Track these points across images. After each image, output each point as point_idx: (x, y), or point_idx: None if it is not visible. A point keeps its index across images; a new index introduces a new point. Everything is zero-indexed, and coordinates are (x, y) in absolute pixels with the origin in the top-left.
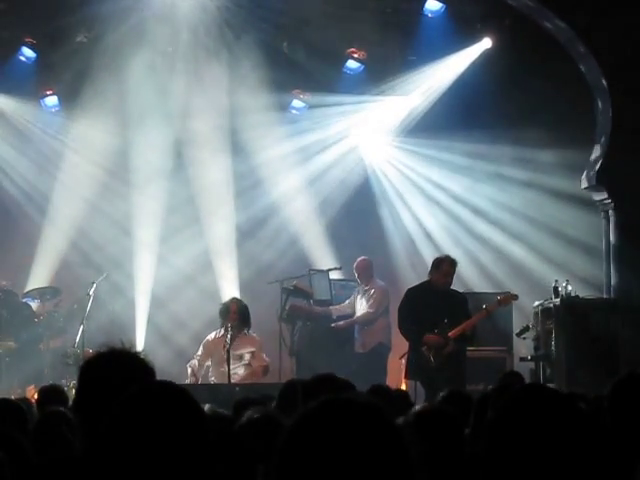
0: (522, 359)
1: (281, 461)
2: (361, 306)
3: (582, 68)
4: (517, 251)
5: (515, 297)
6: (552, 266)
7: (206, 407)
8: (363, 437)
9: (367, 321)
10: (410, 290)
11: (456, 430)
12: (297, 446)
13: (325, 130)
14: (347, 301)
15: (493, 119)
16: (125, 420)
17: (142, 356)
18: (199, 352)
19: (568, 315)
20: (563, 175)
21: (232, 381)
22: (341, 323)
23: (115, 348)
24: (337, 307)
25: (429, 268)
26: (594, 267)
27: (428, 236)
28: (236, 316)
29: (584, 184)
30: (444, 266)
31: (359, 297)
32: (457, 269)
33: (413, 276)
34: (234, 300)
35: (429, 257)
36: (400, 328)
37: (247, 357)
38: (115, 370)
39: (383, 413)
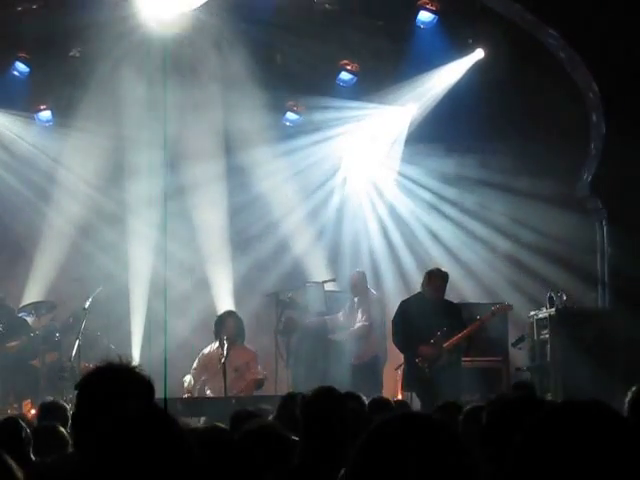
0: (518, 369)
1: (354, 473)
2: (356, 318)
3: (575, 78)
4: (512, 261)
5: (509, 307)
6: (547, 275)
7: (202, 420)
8: (438, 454)
9: (363, 333)
10: (404, 302)
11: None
12: (371, 459)
13: (319, 142)
14: (341, 312)
15: (485, 130)
16: (109, 447)
17: (140, 371)
18: (194, 366)
19: (563, 325)
20: (557, 185)
21: (228, 393)
22: (338, 335)
23: (113, 363)
24: (332, 318)
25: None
26: (589, 276)
27: (423, 248)
28: (231, 329)
29: (578, 193)
30: (435, 279)
31: (354, 309)
32: (452, 280)
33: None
34: (229, 313)
35: (425, 269)
36: (394, 340)
37: (242, 369)
38: (113, 386)
39: (456, 433)
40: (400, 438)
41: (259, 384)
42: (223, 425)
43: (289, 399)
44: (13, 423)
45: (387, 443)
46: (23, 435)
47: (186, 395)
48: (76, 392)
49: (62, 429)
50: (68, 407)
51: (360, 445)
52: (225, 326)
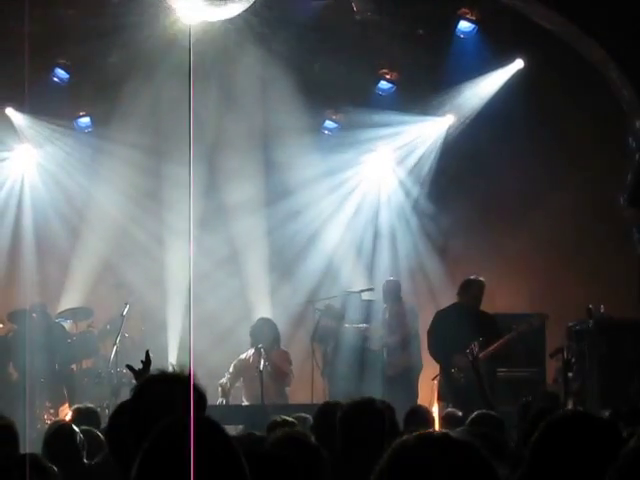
0: (555, 380)
1: None
2: (391, 328)
3: (616, 92)
4: (552, 271)
5: (546, 317)
6: (587, 286)
7: (239, 428)
8: (456, 474)
9: (400, 343)
10: (439, 312)
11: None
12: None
13: (357, 150)
14: (376, 321)
15: (523, 142)
16: (155, 456)
17: (194, 381)
18: (230, 370)
19: (601, 336)
20: (595, 197)
21: (264, 401)
22: (373, 345)
23: (167, 372)
24: (368, 328)
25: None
26: (629, 289)
27: (459, 257)
28: (267, 336)
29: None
30: (473, 288)
31: (389, 318)
32: (490, 289)
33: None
34: (263, 320)
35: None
36: (430, 350)
37: (278, 374)
38: (167, 395)
39: (480, 452)
40: (417, 460)
41: (287, 374)
42: (259, 433)
43: (327, 408)
44: (68, 429)
45: (405, 464)
46: (77, 440)
47: (220, 400)
48: (131, 400)
49: (99, 433)
50: (105, 413)
51: (381, 467)
52: (261, 334)
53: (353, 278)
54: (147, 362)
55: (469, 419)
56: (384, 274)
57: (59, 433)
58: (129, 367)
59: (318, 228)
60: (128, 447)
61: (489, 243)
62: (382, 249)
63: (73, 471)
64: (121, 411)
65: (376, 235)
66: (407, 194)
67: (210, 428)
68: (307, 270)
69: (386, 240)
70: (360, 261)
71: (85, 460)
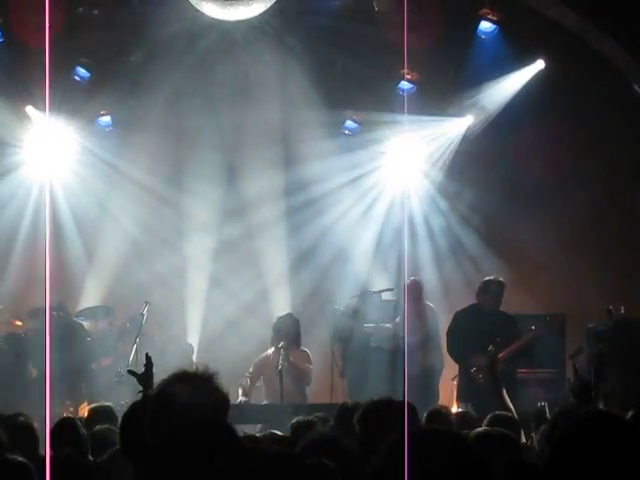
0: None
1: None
2: (412, 327)
3: (637, 90)
4: (569, 271)
5: (564, 318)
6: (606, 287)
7: (258, 427)
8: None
9: (420, 343)
10: (459, 313)
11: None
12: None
13: (378, 150)
14: (397, 321)
15: (541, 142)
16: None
17: (215, 381)
18: (250, 370)
19: (622, 337)
20: (619, 197)
21: (283, 400)
22: (393, 345)
23: (188, 372)
24: (388, 328)
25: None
26: None
27: (483, 256)
28: (289, 332)
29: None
30: (493, 288)
31: (410, 318)
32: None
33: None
34: (288, 315)
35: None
36: (449, 351)
37: (298, 374)
38: (189, 396)
39: (470, 444)
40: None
41: (307, 373)
42: (280, 432)
43: (346, 408)
44: (70, 423)
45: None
46: (80, 434)
47: (241, 399)
48: (153, 397)
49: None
50: (123, 412)
51: (377, 462)
52: (284, 329)
53: (374, 278)
54: (148, 365)
55: (485, 420)
56: (426, 265)
57: (59, 429)
58: (130, 372)
59: (339, 227)
60: (142, 445)
61: (506, 242)
62: (420, 240)
63: (76, 467)
64: (133, 410)
65: (411, 226)
66: (432, 183)
67: (223, 430)
68: (327, 270)
69: (422, 230)
70: (381, 260)
71: (90, 457)
